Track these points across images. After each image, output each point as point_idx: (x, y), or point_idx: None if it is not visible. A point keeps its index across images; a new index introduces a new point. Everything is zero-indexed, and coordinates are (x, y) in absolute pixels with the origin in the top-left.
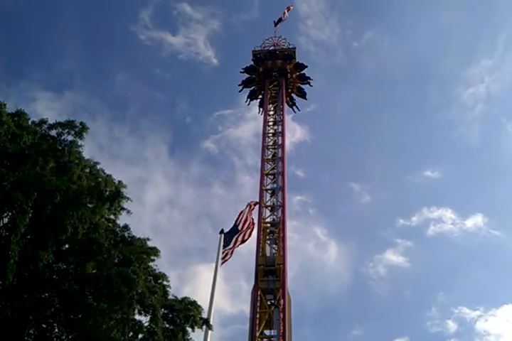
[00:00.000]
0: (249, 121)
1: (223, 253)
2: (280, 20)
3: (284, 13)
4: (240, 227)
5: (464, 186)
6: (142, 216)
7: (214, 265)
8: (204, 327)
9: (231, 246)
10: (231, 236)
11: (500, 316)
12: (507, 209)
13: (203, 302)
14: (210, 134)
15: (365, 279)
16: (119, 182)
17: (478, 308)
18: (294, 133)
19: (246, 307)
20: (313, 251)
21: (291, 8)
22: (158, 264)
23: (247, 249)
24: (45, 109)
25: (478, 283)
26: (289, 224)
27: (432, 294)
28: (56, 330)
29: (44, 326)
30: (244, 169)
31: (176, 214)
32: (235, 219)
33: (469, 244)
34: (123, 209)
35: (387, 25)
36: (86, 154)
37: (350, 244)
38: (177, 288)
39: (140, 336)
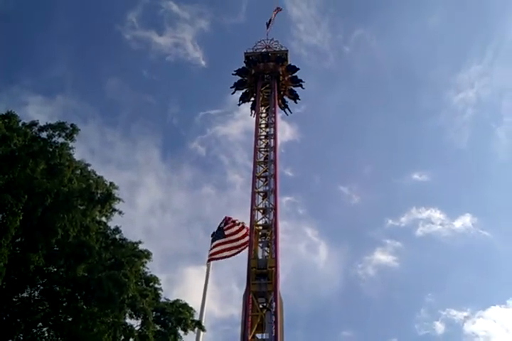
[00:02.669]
0: (238, 120)
1: (211, 249)
2: (271, 21)
3: (274, 14)
4: (229, 237)
5: (452, 188)
6: (134, 219)
7: (204, 268)
8: (196, 329)
9: (218, 253)
10: (218, 235)
11: (488, 317)
12: (496, 209)
13: (192, 305)
14: (200, 135)
15: (355, 280)
16: (111, 183)
17: (466, 309)
18: (284, 132)
19: (236, 311)
20: (304, 252)
21: (280, 9)
22: (150, 267)
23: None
24: (37, 113)
25: (466, 284)
26: (280, 225)
27: (421, 295)
28: (46, 334)
29: (34, 330)
30: (233, 167)
31: (167, 217)
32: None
33: (458, 244)
34: (114, 210)
35: (378, 30)
36: (77, 158)
37: (340, 245)
38: (166, 291)
39: (131, 340)
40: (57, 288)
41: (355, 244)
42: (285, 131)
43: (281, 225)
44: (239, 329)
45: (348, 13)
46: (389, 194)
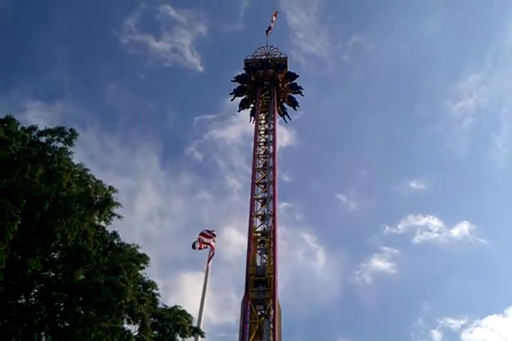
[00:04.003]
0: (235, 125)
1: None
2: (270, 28)
3: (272, 20)
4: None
5: (450, 196)
6: (132, 226)
7: (202, 274)
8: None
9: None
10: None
11: (485, 326)
12: (493, 217)
13: (189, 311)
14: (197, 140)
15: (353, 287)
16: (110, 187)
17: (464, 318)
18: (281, 137)
19: (233, 318)
20: (302, 258)
21: (276, 13)
22: (147, 273)
23: (237, 260)
24: (36, 118)
25: (463, 292)
26: (278, 231)
27: (418, 303)
28: (44, 340)
29: (31, 336)
30: (231, 172)
31: (166, 224)
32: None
33: (455, 252)
34: (113, 215)
35: (376, 38)
36: (76, 163)
37: (338, 251)
38: (163, 297)
39: None
40: (55, 293)
41: (352, 250)
42: (283, 136)
43: (279, 231)
44: (236, 336)
45: (346, 20)
46: (386, 201)
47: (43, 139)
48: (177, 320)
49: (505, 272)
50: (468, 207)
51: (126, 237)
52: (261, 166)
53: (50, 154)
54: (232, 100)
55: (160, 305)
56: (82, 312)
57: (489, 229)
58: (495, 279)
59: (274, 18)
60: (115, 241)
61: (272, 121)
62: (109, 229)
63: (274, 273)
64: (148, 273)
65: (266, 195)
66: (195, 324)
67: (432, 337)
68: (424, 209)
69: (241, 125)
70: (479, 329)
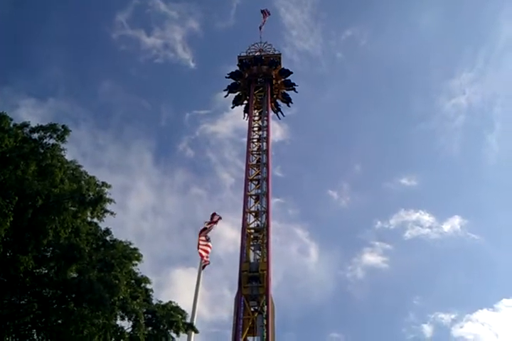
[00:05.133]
0: (227, 120)
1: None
2: (262, 24)
3: (264, 16)
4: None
5: (441, 192)
6: (125, 223)
7: (194, 271)
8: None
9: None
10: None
11: (476, 321)
12: (484, 212)
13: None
14: (190, 136)
15: (345, 283)
16: (104, 183)
17: (454, 312)
18: (274, 132)
19: (226, 314)
20: (295, 254)
21: (267, 13)
22: (140, 270)
23: (230, 257)
24: (29, 115)
25: (454, 287)
26: (271, 226)
27: (409, 298)
28: (36, 337)
29: (23, 333)
30: (223, 166)
31: (159, 221)
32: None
33: (446, 247)
34: (106, 211)
35: (370, 35)
36: (69, 160)
37: (331, 246)
38: (156, 293)
39: None
40: (48, 290)
41: (345, 245)
42: (275, 131)
43: (272, 226)
44: (229, 332)
45: (339, 16)
46: (378, 196)
47: (35, 136)
48: (171, 316)
49: (495, 267)
50: (460, 202)
51: (119, 234)
52: (254, 162)
53: (42, 151)
54: (225, 96)
55: (154, 301)
56: (74, 309)
57: (480, 224)
58: (485, 274)
59: (265, 16)
60: (108, 238)
61: (266, 118)
62: (102, 225)
63: (268, 269)
64: (141, 270)
65: (259, 191)
66: (188, 320)
67: (423, 331)
68: (416, 204)
69: (233, 120)
70: (470, 324)
